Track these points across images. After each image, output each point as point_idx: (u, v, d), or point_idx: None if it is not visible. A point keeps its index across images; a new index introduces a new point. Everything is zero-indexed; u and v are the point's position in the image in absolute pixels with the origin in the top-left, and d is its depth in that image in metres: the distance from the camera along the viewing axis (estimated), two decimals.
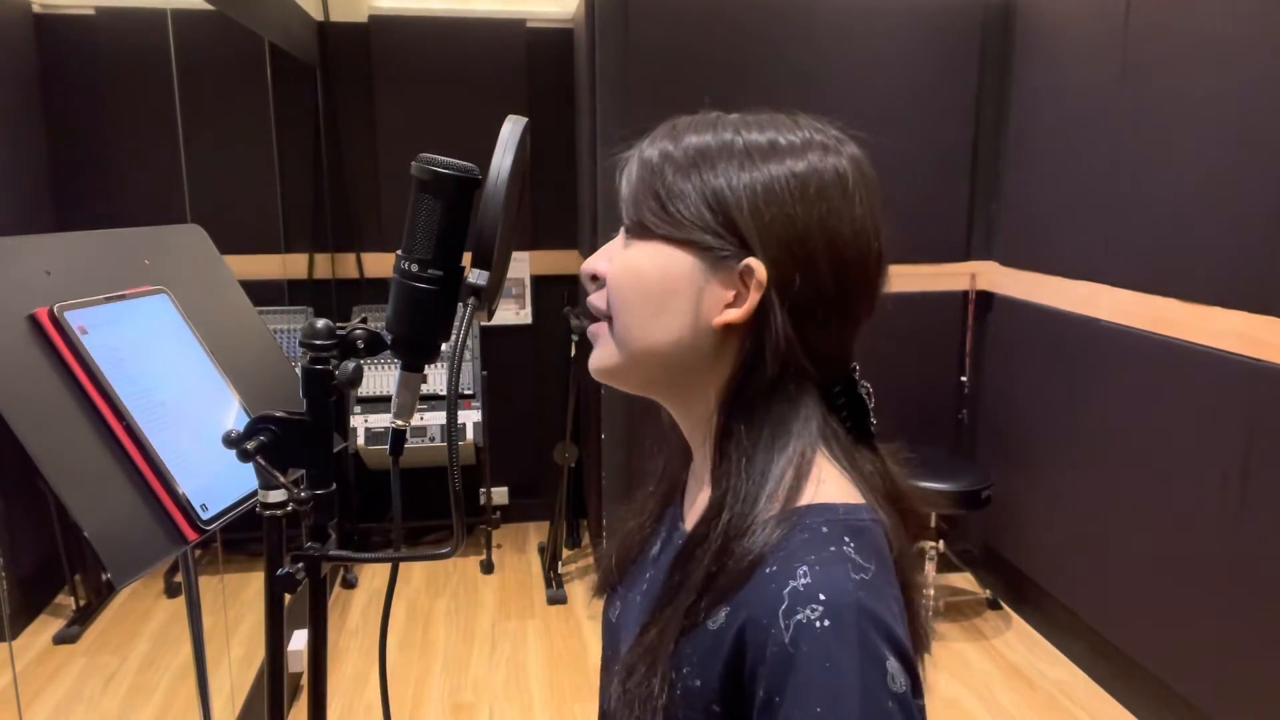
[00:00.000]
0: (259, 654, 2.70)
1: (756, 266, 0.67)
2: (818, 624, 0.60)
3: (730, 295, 0.68)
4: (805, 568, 0.62)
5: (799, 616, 0.60)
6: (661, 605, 0.70)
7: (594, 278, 0.75)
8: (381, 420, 3.29)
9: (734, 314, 0.68)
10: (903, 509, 0.73)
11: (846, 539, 0.64)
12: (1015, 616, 3.23)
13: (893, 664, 0.60)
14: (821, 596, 0.60)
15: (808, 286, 0.67)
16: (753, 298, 0.67)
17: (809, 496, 0.67)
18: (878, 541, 0.66)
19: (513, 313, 3.75)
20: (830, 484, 0.68)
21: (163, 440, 1.25)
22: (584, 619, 3.25)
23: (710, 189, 0.68)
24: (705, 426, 0.74)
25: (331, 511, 0.87)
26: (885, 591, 0.63)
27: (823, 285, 0.68)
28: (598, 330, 0.75)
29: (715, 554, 0.66)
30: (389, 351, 0.82)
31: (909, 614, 0.69)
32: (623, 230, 0.74)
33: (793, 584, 0.61)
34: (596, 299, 0.74)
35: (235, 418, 1.42)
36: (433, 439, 3.29)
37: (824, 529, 0.65)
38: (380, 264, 3.67)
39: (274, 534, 0.86)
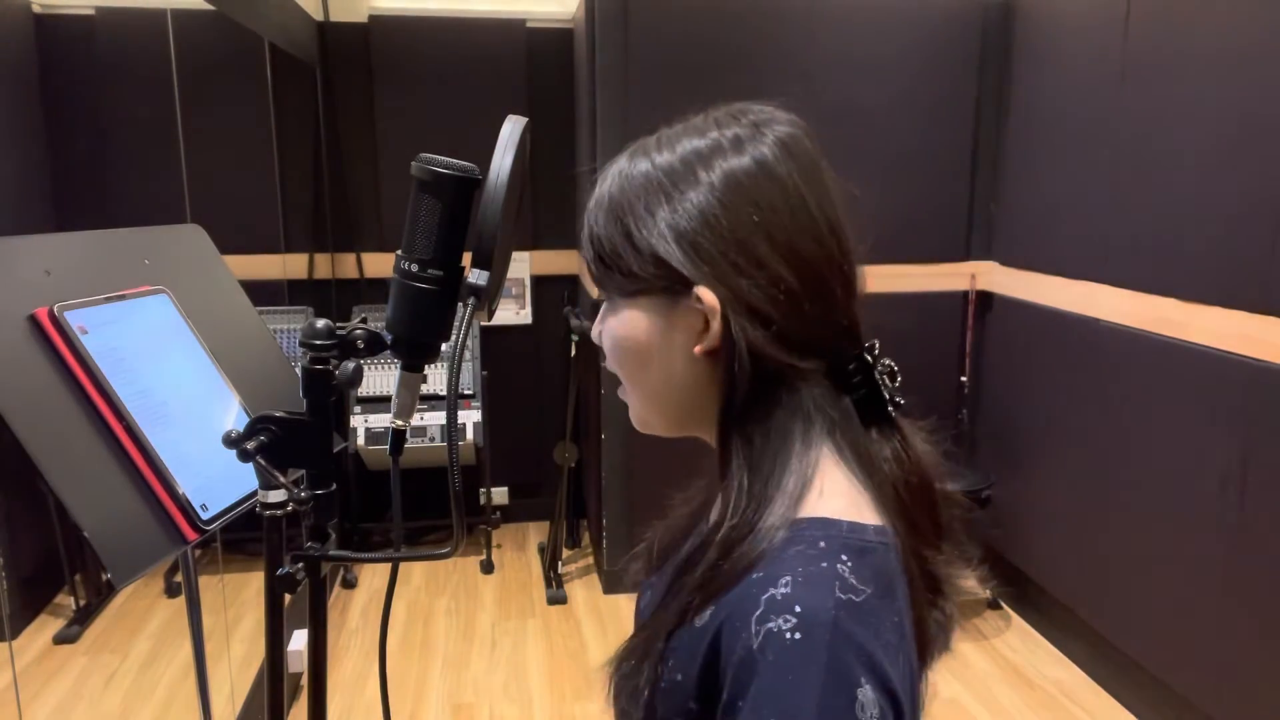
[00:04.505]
0: (259, 654, 2.70)
1: (704, 294, 0.67)
2: (788, 635, 0.58)
3: (700, 324, 0.69)
4: (789, 578, 0.61)
5: (770, 624, 0.59)
6: (662, 604, 0.71)
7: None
8: (381, 420, 3.29)
9: (708, 341, 0.69)
10: (925, 497, 0.72)
11: (844, 557, 0.62)
12: (1015, 616, 3.23)
13: (866, 693, 0.58)
14: (797, 609, 0.59)
15: (763, 287, 0.67)
16: (714, 322, 0.67)
17: (810, 508, 0.66)
18: (883, 565, 0.64)
19: (513, 313, 3.75)
20: (836, 497, 0.67)
21: (163, 440, 1.25)
22: (584, 619, 3.24)
23: (638, 240, 0.69)
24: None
25: (331, 511, 0.87)
26: (878, 618, 0.61)
27: (780, 278, 0.67)
28: (621, 392, 0.78)
29: (713, 560, 0.66)
30: (389, 351, 0.82)
31: (920, 628, 0.67)
32: None
33: (772, 591, 0.60)
34: (608, 363, 0.77)
35: (235, 418, 1.42)
36: (433, 439, 3.29)
37: (821, 543, 0.63)
38: (380, 264, 3.67)
39: (274, 534, 0.86)
